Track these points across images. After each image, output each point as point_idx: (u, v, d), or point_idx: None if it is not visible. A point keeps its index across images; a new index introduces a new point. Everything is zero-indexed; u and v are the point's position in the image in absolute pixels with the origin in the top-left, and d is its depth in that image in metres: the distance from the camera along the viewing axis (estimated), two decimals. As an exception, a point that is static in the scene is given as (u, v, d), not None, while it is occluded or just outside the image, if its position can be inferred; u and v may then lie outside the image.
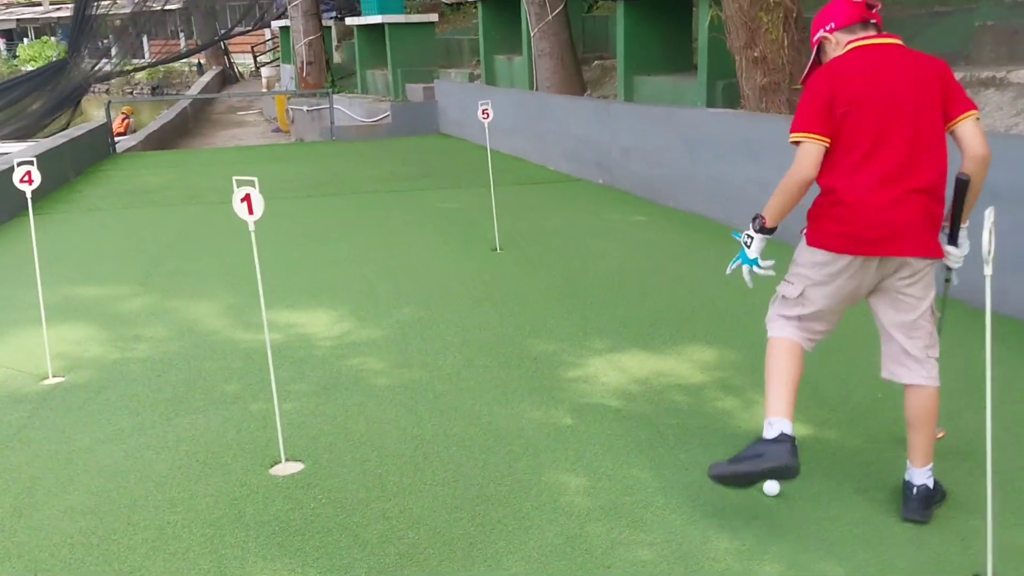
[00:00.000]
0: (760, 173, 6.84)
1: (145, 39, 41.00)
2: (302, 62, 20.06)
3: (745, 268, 3.16)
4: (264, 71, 30.94)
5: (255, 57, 37.75)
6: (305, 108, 19.46)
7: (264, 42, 37.99)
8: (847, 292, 2.96)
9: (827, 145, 2.84)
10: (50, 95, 28.52)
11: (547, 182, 10.14)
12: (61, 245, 7.91)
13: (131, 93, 44.10)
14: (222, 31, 33.44)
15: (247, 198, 3.33)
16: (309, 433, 3.82)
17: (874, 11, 2.96)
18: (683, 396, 4.08)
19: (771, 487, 3.16)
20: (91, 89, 31.86)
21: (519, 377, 4.40)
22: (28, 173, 4.43)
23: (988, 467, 2.55)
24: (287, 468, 3.49)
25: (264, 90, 28.45)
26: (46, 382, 4.62)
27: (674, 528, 3.02)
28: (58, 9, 54.47)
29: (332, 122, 15.69)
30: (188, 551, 2.97)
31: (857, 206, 2.84)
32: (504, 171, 10.78)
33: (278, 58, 35.54)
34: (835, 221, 2.88)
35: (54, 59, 46.90)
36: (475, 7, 20.62)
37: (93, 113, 33.88)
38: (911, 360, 2.96)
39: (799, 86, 3.16)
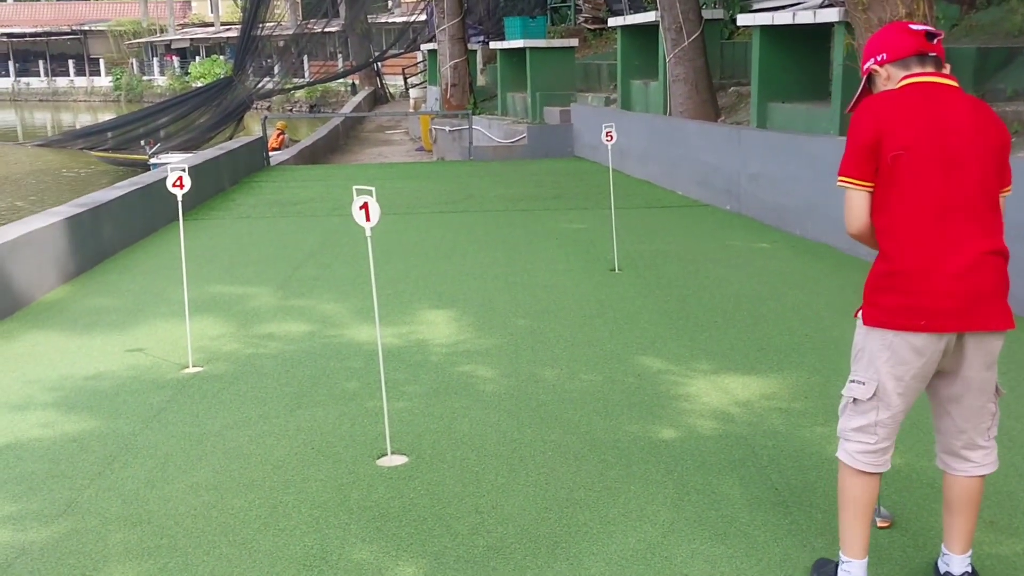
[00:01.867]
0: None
1: (306, 59, 43.14)
2: (447, 84, 20.70)
3: None
4: (412, 92, 32.03)
5: (406, 79, 39.12)
6: (447, 128, 20.06)
7: (415, 64, 39.36)
8: (921, 378, 2.55)
9: (871, 190, 2.53)
10: (216, 110, 30.35)
11: (675, 206, 10.18)
12: (212, 247, 8.51)
13: (290, 111, 46.41)
14: (376, 53, 34.81)
15: (365, 206, 3.59)
16: (416, 430, 4.05)
17: (935, 42, 2.61)
18: (782, 420, 4.10)
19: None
20: (254, 105, 33.74)
21: (621, 392, 4.51)
22: (180, 178, 4.87)
23: None
24: (392, 460, 3.72)
25: (411, 110, 29.44)
26: (186, 371, 5.04)
27: (757, 543, 3.07)
28: (228, 30, 57.83)
29: (471, 142, 16.15)
30: (295, 528, 3.23)
31: (927, 273, 2.45)
32: (632, 194, 10.89)
33: (426, 80, 36.78)
34: (901, 293, 2.48)
35: (221, 76, 49.89)
36: (616, 32, 20.85)
37: (255, 128, 35.90)
38: (979, 452, 2.63)
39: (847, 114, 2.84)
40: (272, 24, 35.74)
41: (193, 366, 5.09)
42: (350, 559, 3.02)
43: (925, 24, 6.93)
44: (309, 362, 5.12)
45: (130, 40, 58.72)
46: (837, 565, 2.70)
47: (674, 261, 7.37)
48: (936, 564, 2.81)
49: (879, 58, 2.65)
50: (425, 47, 26.04)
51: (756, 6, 15.59)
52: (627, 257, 7.30)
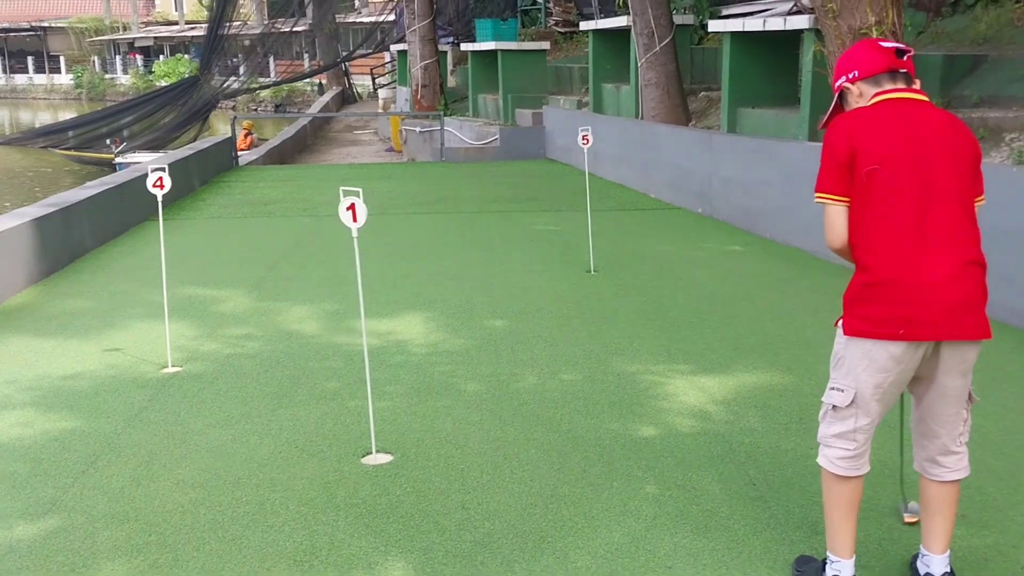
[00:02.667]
0: (857, 207, 6.87)
1: (272, 59, 42.92)
2: (417, 85, 20.72)
3: None
4: (381, 92, 31.98)
5: (374, 79, 39.04)
6: (418, 129, 20.07)
7: (383, 64, 39.29)
8: (899, 385, 2.63)
9: (847, 205, 2.59)
10: (181, 109, 30.08)
11: (647, 209, 10.30)
12: (184, 248, 8.47)
13: (255, 110, 46.10)
14: (345, 53, 34.71)
15: (352, 207, 3.63)
16: (399, 429, 4.09)
17: (905, 59, 2.67)
18: (758, 418, 4.19)
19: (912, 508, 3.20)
20: (219, 105, 33.50)
21: (601, 391, 4.58)
22: (160, 179, 4.87)
23: None
24: (377, 459, 3.76)
25: (380, 110, 29.39)
26: (165, 371, 5.03)
27: (737, 537, 3.15)
28: (192, 28, 57.36)
29: (442, 143, 16.18)
30: (284, 525, 3.26)
31: (905, 284, 2.51)
32: (606, 197, 10.99)
33: (395, 80, 36.73)
34: (880, 304, 2.54)
35: (186, 76, 49.44)
36: (587, 36, 20.98)
37: (220, 128, 35.61)
38: (951, 457, 2.72)
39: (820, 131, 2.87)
40: (239, 23, 35.51)
41: (172, 366, 5.08)
42: (340, 554, 3.06)
43: (894, 36, 7.11)
44: (288, 362, 5.14)
45: (92, 37, 58.00)
46: (823, 563, 2.78)
47: (649, 263, 7.47)
48: (914, 564, 2.86)
49: (851, 75, 2.70)
50: (395, 48, 26.00)
51: (725, 12, 15.81)
52: (603, 259, 7.38)
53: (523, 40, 19.10)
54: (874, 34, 6.97)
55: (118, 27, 58.99)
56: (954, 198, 2.56)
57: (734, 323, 5.73)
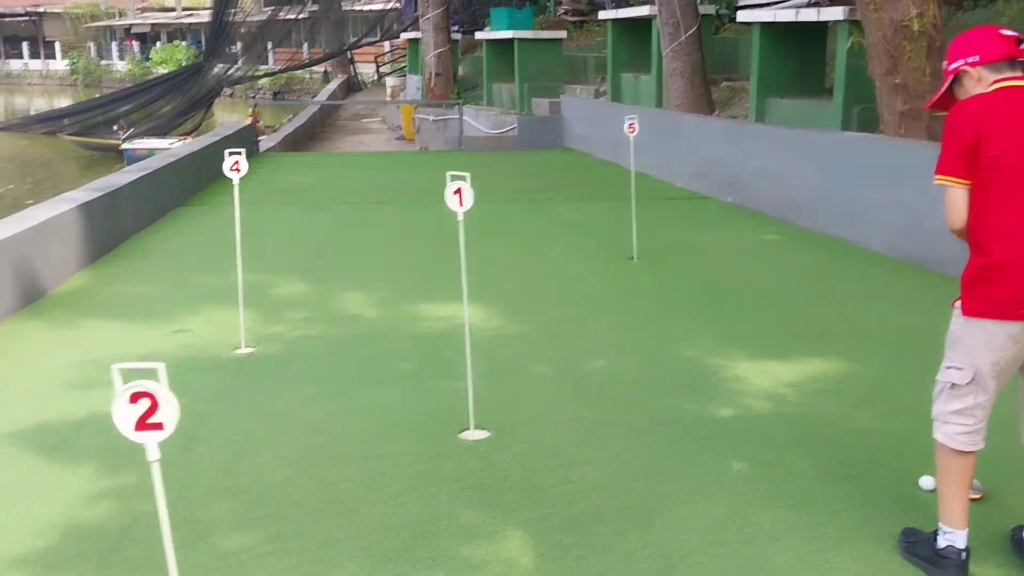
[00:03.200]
0: (901, 197, 7.00)
1: (270, 46, 42.86)
2: (430, 73, 20.78)
3: None
4: (389, 80, 31.97)
5: (378, 67, 39.04)
6: (431, 118, 20.14)
7: (384, 53, 39.28)
8: (1015, 363, 2.74)
9: (968, 187, 2.70)
10: (183, 97, 30.04)
11: (675, 198, 10.41)
12: (225, 233, 8.55)
13: (253, 97, 46.08)
14: (352, 40, 34.69)
15: (459, 191, 3.74)
16: (487, 408, 4.21)
17: (1023, 47, 2.74)
18: (832, 402, 4.31)
19: (926, 482, 3.39)
20: (222, 93, 33.49)
21: (670, 374, 4.71)
22: (237, 162, 4.97)
23: None
24: (475, 435, 3.89)
25: (388, 98, 29.42)
26: (238, 351, 5.15)
27: (835, 511, 3.28)
28: (190, 15, 57.21)
29: (461, 132, 16.27)
30: (397, 497, 3.39)
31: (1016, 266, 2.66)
32: (630, 185, 11.08)
33: (400, 68, 36.73)
34: (1000, 285, 2.66)
35: (184, 63, 49.29)
36: (599, 26, 21.05)
37: (222, 116, 35.61)
38: None
39: (932, 112, 2.91)
40: (245, 11, 35.48)
41: (245, 347, 5.19)
42: (458, 524, 3.18)
43: (935, 28, 7.24)
44: (358, 344, 5.25)
45: (87, 23, 57.73)
46: (934, 534, 2.89)
47: (688, 251, 7.59)
48: (1016, 535, 2.99)
49: (971, 60, 2.76)
50: (405, 35, 26.03)
51: (748, 2, 15.91)
52: (641, 247, 7.49)
53: (536, 29, 19.15)
54: (915, 27, 7.12)
55: (114, 13, 58.72)
56: None
57: (787, 311, 5.86)
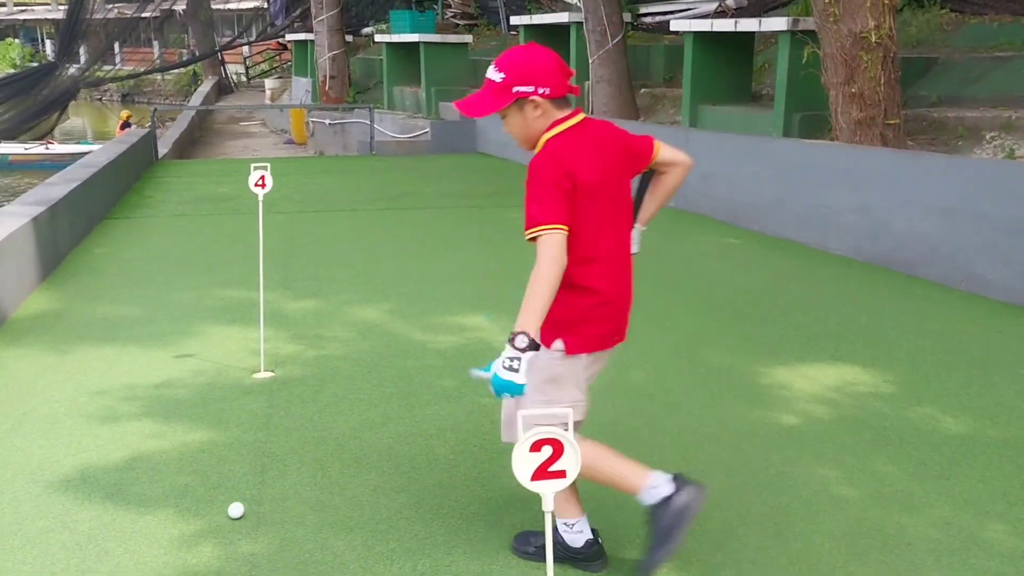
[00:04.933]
0: (861, 200, 7.32)
1: (117, 46, 40.99)
2: (324, 76, 20.33)
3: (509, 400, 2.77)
4: (268, 83, 31.10)
5: (247, 68, 37.92)
6: (327, 121, 19.73)
7: (255, 54, 38.20)
8: None
9: (567, 232, 2.61)
10: (34, 99, 28.36)
11: (615, 203, 10.54)
12: (171, 248, 8.15)
13: (99, 99, 43.92)
14: (226, 40, 33.57)
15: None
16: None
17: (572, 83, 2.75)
18: (882, 404, 4.47)
19: (235, 510, 3.37)
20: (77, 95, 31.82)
21: (714, 383, 4.77)
22: (263, 177, 4.73)
23: None
24: (573, 455, 3.82)
25: (268, 101, 28.62)
26: (258, 375, 4.90)
27: (945, 516, 3.40)
28: (23, 11, 54.01)
29: (372, 136, 15.98)
30: (523, 524, 3.29)
31: (617, 301, 2.82)
32: (568, 191, 11.16)
33: (274, 68, 35.80)
34: (609, 322, 2.81)
35: (18, 61, 46.35)
36: (490, 29, 21.11)
37: (76, 120, 33.84)
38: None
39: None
40: (108, 7, 33.86)
41: (264, 370, 4.95)
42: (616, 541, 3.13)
43: (890, 39, 7.59)
44: (383, 363, 5.08)
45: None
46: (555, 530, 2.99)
47: (658, 256, 7.68)
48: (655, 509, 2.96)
49: (542, 91, 2.65)
50: (291, 36, 25.38)
51: (644, 10, 16.24)
52: (617, 253, 7.56)
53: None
54: (873, 38, 7.45)
55: (-67, 7, 54.83)
56: (626, 214, 2.89)
57: (788, 313, 6.03)
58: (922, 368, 4.97)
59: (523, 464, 1.93)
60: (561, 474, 1.94)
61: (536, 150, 2.73)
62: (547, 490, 1.94)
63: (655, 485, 2.84)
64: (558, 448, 1.93)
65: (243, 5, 40.90)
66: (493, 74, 2.71)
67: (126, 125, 22.96)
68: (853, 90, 7.67)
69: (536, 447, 1.93)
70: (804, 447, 3.97)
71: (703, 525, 3.28)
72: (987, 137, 7.83)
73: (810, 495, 3.53)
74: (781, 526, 3.30)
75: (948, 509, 3.43)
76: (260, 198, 4.91)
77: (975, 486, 3.60)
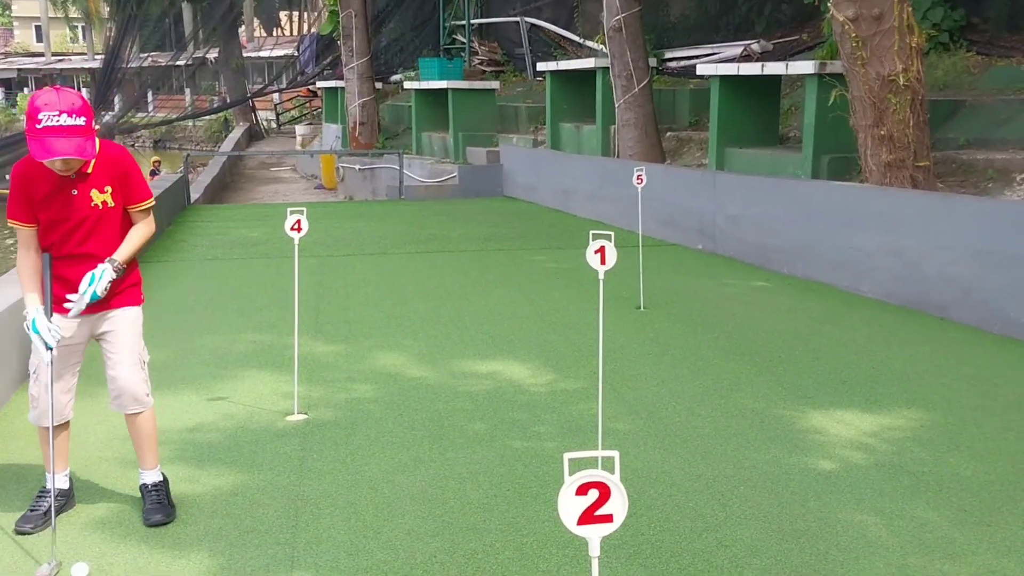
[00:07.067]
0: (893, 243, 7.28)
1: (150, 94, 41.79)
2: (355, 122, 20.60)
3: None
4: (299, 129, 31.54)
5: (278, 115, 38.50)
6: (357, 167, 19.96)
7: (285, 101, 38.80)
8: None
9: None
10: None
11: (645, 245, 10.52)
12: (204, 292, 8.23)
13: (132, 145, 44.69)
14: (257, 87, 34.15)
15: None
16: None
17: None
18: (921, 449, 4.40)
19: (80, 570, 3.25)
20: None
21: (749, 427, 4.73)
22: (299, 221, 4.79)
23: None
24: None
25: (299, 147, 29.01)
26: (291, 418, 4.92)
27: (988, 563, 3.33)
28: (60, 60, 55.25)
29: (401, 182, 16.14)
30: (559, 569, 3.27)
31: None
32: (586, 234, 11.19)
33: (304, 115, 36.34)
34: None
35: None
36: (516, 76, 21.35)
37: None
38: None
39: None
40: (143, 56, 34.59)
41: (298, 413, 4.97)
42: (640, 597, 3.09)
43: (918, 82, 7.59)
44: (414, 406, 5.09)
45: (-54, 69, 55.12)
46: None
47: (688, 298, 7.68)
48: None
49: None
50: (321, 84, 25.78)
51: (669, 55, 16.37)
52: (639, 294, 7.54)
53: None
54: (901, 81, 7.46)
55: (-26, 59, 56.33)
56: None
57: (820, 357, 5.98)
58: (958, 412, 4.91)
59: (569, 508, 1.91)
60: (608, 518, 1.93)
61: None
62: (594, 535, 1.92)
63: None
64: (604, 492, 1.91)
65: (274, 53, 41.62)
66: (78, 120, 3.33)
67: (154, 173, 23.28)
68: (882, 132, 7.67)
69: (583, 491, 1.92)
70: (842, 493, 3.91)
71: (741, 572, 3.24)
72: (1017, 179, 7.79)
73: (849, 542, 3.47)
74: (821, 574, 3.25)
75: (991, 556, 3.36)
76: (296, 242, 4.96)
77: (1018, 532, 3.54)
